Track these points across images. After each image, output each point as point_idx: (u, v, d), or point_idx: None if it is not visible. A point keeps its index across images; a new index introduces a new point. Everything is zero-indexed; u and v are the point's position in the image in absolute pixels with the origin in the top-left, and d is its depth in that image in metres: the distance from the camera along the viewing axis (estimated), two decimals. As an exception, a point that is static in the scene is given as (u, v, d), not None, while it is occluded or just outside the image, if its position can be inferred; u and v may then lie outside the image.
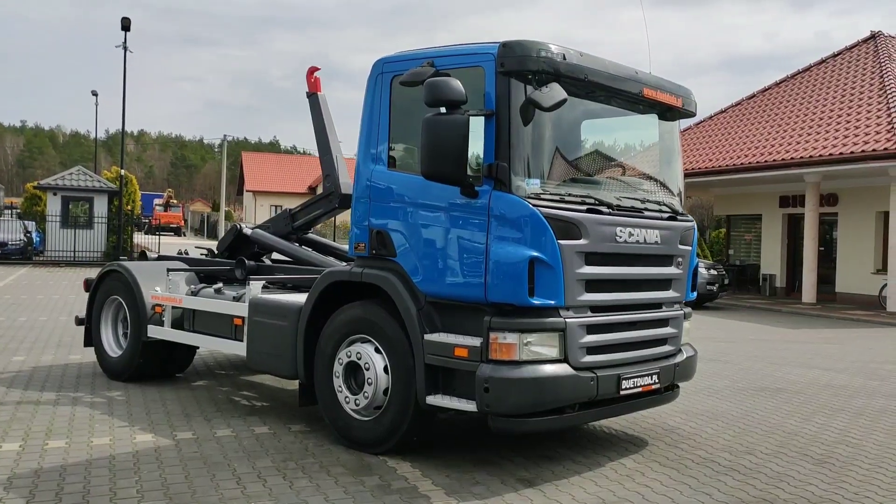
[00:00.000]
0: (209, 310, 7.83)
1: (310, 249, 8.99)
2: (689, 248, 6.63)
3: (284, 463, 5.84)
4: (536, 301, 5.41)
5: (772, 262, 26.83)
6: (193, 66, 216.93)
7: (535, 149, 5.66)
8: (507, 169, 5.46)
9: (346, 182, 8.57)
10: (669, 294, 6.48)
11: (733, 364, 11.38)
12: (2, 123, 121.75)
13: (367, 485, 5.41)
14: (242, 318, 7.26)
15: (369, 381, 6.03)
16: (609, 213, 5.85)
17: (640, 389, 6.08)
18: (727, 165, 24.05)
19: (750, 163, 23.32)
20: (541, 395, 5.45)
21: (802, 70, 27.96)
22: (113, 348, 8.85)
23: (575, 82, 5.69)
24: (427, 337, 5.69)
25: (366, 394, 6.05)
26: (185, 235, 65.04)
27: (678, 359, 6.57)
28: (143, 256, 10.01)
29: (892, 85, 22.22)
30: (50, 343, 11.20)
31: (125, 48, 30.11)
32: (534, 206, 5.42)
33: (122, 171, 31.55)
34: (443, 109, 5.46)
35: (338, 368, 6.26)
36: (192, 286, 8.49)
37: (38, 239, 31.32)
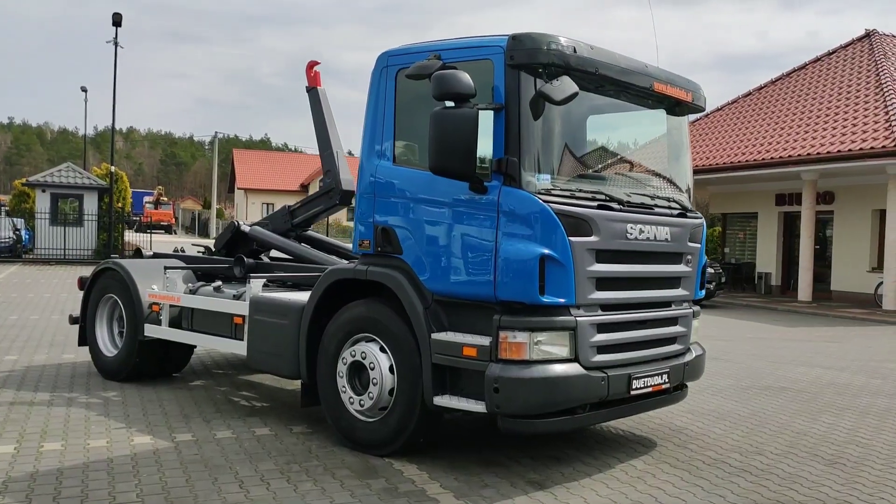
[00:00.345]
0: (209, 308, 7.67)
1: (308, 247, 8.84)
2: (699, 245, 6.52)
3: (288, 465, 5.69)
4: (547, 299, 5.28)
5: (767, 260, 26.80)
6: (183, 64, 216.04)
7: (545, 143, 5.53)
8: (517, 164, 5.33)
9: (347, 178, 8.43)
10: (679, 292, 6.36)
11: (735, 363, 11.29)
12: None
13: (373, 488, 5.27)
14: (243, 317, 7.11)
15: (374, 381, 5.89)
16: (620, 210, 5.74)
17: (650, 389, 5.96)
18: (723, 163, 24.00)
19: (747, 161, 23.27)
20: (552, 396, 5.33)
21: (798, 68, 27.92)
22: (108, 347, 8.68)
23: (585, 76, 5.56)
24: (434, 336, 5.56)
25: (371, 394, 5.91)
26: (175, 233, 64.64)
27: (687, 358, 6.46)
28: (138, 254, 9.82)
29: (889, 83, 22.20)
30: (42, 342, 11.01)
31: (116, 44, 29.80)
32: (544, 202, 5.29)
33: (113, 168, 31.25)
34: (448, 103, 5.33)
35: (341, 368, 6.12)
36: (190, 284, 8.33)
37: (27, 237, 31.01)
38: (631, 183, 6.32)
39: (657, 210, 6.13)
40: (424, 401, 5.62)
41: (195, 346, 8.60)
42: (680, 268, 6.33)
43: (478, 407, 5.38)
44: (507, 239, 5.33)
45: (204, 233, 64.06)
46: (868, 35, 26.41)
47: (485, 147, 5.34)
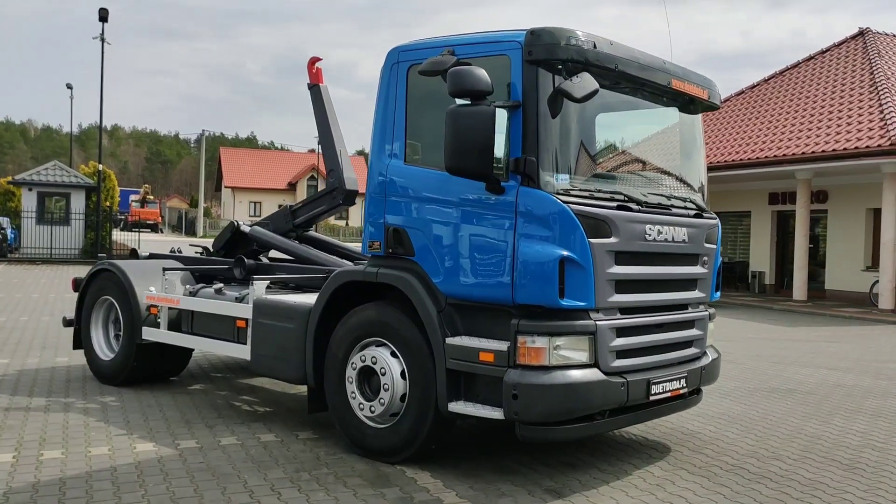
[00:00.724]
0: (210, 311, 7.45)
1: (310, 247, 8.64)
2: (714, 246, 6.39)
3: (297, 474, 5.51)
4: (567, 303, 5.12)
5: (761, 259, 26.77)
6: (167, 60, 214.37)
7: (564, 142, 5.38)
8: (536, 163, 5.17)
9: (351, 177, 8.25)
10: (695, 294, 6.23)
11: (738, 364, 11.18)
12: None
13: (388, 497, 5.10)
14: (246, 320, 6.91)
15: (385, 386, 5.71)
16: (638, 210, 5.59)
17: (668, 394, 5.83)
18: (717, 162, 23.90)
19: (741, 160, 23.19)
20: (572, 402, 5.17)
21: (791, 66, 27.88)
22: (104, 351, 8.46)
23: (604, 72, 5.40)
24: (449, 341, 5.39)
25: (381, 400, 5.74)
26: (162, 232, 64.11)
27: (703, 362, 6.33)
28: (133, 255, 9.59)
29: (883, 81, 22.18)
30: (34, 345, 10.76)
31: (102, 40, 29.47)
32: (563, 202, 5.14)
33: (101, 167, 30.88)
34: (463, 101, 5.16)
35: (351, 373, 5.95)
36: (189, 286, 8.13)
37: (12, 236, 30.60)
38: (647, 182, 6.18)
39: (674, 210, 6.00)
40: (438, 407, 5.46)
41: (193, 350, 8.39)
42: (697, 269, 6.19)
43: (495, 414, 5.22)
44: (525, 240, 5.18)
45: (191, 232, 63.55)
46: (862, 33, 26.39)
47: (501, 146, 5.17)
